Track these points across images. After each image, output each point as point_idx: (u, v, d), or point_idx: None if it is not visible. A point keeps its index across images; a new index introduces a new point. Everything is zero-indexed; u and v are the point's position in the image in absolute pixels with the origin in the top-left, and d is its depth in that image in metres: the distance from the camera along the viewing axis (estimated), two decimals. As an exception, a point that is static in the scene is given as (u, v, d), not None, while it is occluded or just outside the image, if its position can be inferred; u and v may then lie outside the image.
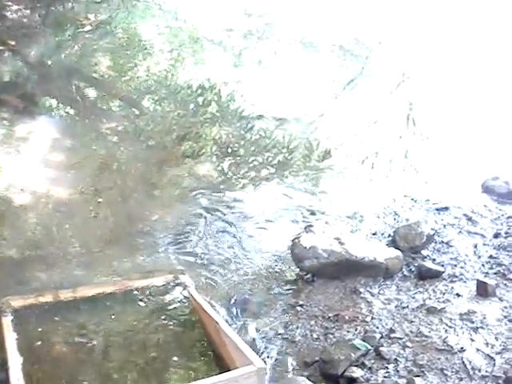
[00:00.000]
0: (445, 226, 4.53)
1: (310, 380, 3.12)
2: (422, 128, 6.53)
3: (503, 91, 6.85)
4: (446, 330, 3.31)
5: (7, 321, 3.40)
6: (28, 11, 8.38)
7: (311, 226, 4.32)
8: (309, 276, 3.96)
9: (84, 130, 5.99)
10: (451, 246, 4.25)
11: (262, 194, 4.98)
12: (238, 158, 5.83)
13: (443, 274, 3.92)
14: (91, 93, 6.94)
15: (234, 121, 6.52)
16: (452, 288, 3.77)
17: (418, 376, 2.98)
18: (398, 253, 4.03)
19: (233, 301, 3.82)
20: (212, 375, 3.09)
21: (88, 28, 8.10)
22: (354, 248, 3.93)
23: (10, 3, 8.35)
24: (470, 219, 4.64)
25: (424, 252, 4.18)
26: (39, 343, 3.37)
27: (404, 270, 4.02)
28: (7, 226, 4.40)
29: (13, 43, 7.31)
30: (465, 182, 5.28)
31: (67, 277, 3.95)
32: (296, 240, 4.01)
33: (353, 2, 9.02)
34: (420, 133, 6.44)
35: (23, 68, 7.08)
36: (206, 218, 4.56)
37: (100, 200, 4.81)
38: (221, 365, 3.28)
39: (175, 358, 3.37)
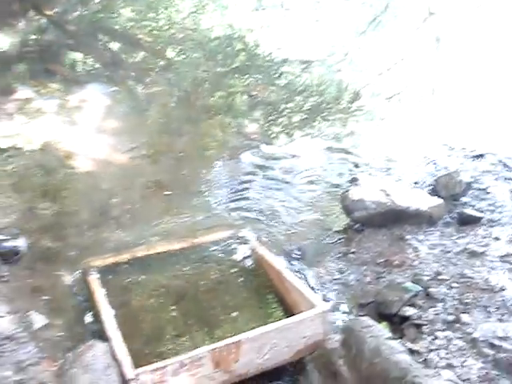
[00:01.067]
0: (482, 173, 4.82)
1: (368, 319, 3.52)
2: (449, 67, 6.69)
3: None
4: (487, 271, 3.67)
5: (94, 279, 3.82)
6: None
7: (356, 178, 4.64)
8: (358, 225, 4.31)
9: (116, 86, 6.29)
10: (489, 193, 4.56)
11: (305, 149, 5.27)
12: (270, 107, 6.09)
13: (482, 220, 4.25)
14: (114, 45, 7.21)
15: (262, 68, 6.75)
16: (491, 232, 4.11)
17: (465, 313, 3.36)
18: (440, 201, 4.36)
19: (289, 251, 4.20)
20: (279, 318, 3.50)
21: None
22: (398, 198, 4.27)
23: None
24: (505, 165, 4.93)
25: (464, 199, 4.50)
26: (125, 296, 3.79)
27: (446, 216, 4.35)
28: (76, 193, 4.78)
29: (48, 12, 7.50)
30: (499, 127, 5.53)
31: (136, 236, 4.34)
32: (346, 193, 4.36)
33: None
34: (448, 72, 6.59)
35: (54, 31, 7.35)
36: (256, 174, 4.89)
37: (155, 162, 5.17)
38: (287, 309, 3.67)
39: (245, 304, 3.77)
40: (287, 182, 4.83)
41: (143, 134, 5.58)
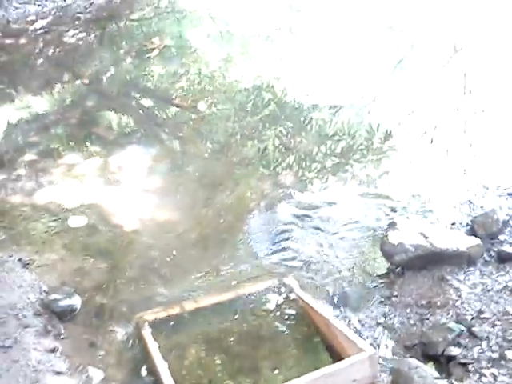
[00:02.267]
0: (519, 210, 4.90)
1: (414, 361, 3.60)
2: (479, 102, 6.81)
3: None
4: (530, 310, 3.74)
5: (147, 333, 3.99)
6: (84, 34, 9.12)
7: (394, 222, 4.76)
8: (399, 269, 4.41)
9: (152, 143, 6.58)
10: (526, 230, 4.64)
11: (342, 197, 5.41)
12: (302, 153, 6.28)
13: (522, 256, 4.33)
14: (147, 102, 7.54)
15: (292, 115, 6.97)
16: (531, 269, 4.18)
17: (509, 350, 3.42)
18: (478, 240, 4.45)
19: (334, 297, 4.32)
20: (327, 365, 3.61)
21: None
22: (437, 240, 4.37)
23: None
24: (542, 201, 5.01)
25: (501, 237, 4.58)
26: (177, 348, 3.94)
27: (485, 255, 4.43)
28: (123, 251, 4.99)
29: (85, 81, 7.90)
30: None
31: (182, 290, 4.51)
32: (385, 238, 4.48)
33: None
34: (478, 108, 6.71)
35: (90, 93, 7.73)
36: (295, 224, 5.05)
37: (196, 217, 5.36)
38: (334, 355, 3.77)
39: (293, 351, 3.89)
40: (325, 231, 4.94)
41: (182, 189, 5.79)
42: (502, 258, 4.33)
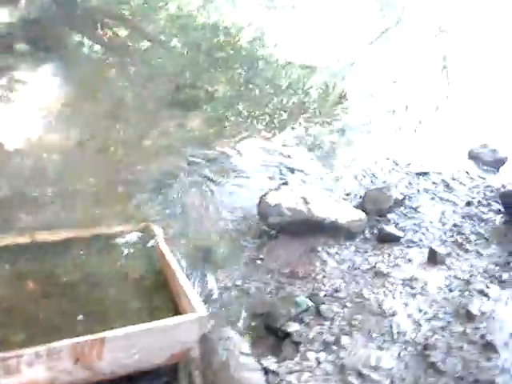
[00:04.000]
0: (419, 191, 4.61)
1: (253, 330, 3.34)
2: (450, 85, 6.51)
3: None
4: (385, 294, 3.46)
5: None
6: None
7: (286, 183, 4.45)
8: (273, 232, 4.12)
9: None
10: (418, 212, 4.36)
11: (250, 149, 5.08)
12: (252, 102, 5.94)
13: (402, 239, 4.04)
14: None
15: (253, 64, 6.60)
16: (406, 253, 3.90)
17: (347, 335, 3.16)
18: (362, 215, 4.16)
19: (198, 251, 4.02)
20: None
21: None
22: (317, 208, 4.07)
23: None
24: (447, 186, 4.71)
25: (390, 216, 4.29)
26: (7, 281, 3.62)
27: (366, 232, 4.15)
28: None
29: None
30: (453, 147, 5.31)
31: (50, 219, 4.18)
32: (263, 197, 4.17)
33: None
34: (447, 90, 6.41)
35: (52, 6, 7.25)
36: (185, 171, 4.71)
37: (91, 146, 4.99)
38: (176, 312, 3.49)
39: (135, 302, 3.60)
40: (215, 181, 4.62)
41: (91, 116, 5.41)
42: (382, 238, 4.06)
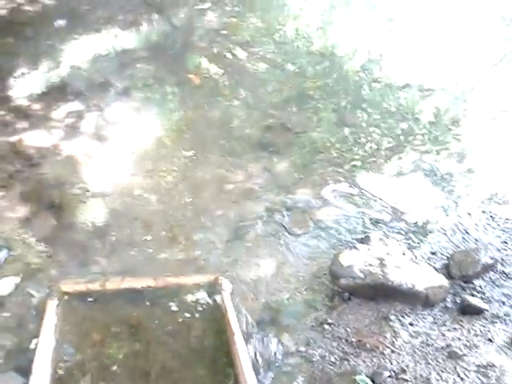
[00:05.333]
0: (517, 253, 4.17)
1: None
2: None
3: None
4: (454, 382, 3.11)
5: (52, 305, 3.74)
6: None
7: (366, 238, 4.20)
8: (346, 294, 3.88)
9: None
10: (511, 279, 3.92)
11: (331, 196, 4.86)
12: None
13: (487, 313, 3.65)
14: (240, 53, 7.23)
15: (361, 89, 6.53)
16: (488, 330, 3.52)
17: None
18: (444, 282, 3.81)
19: (265, 309, 3.87)
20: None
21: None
22: (394, 272, 3.79)
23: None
24: (551, 249, 4.22)
25: (477, 282, 3.91)
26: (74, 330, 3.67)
27: (448, 300, 3.80)
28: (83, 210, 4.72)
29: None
30: None
31: (124, 263, 4.21)
32: (337, 255, 3.94)
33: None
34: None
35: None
36: (263, 218, 4.58)
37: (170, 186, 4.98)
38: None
39: (196, 365, 3.51)
40: (290, 231, 4.44)
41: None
42: (464, 310, 3.69)
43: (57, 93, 6.02)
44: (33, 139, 5.26)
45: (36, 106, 5.76)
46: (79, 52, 6.82)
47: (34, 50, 6.79)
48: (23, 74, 6.33)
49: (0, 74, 6.23)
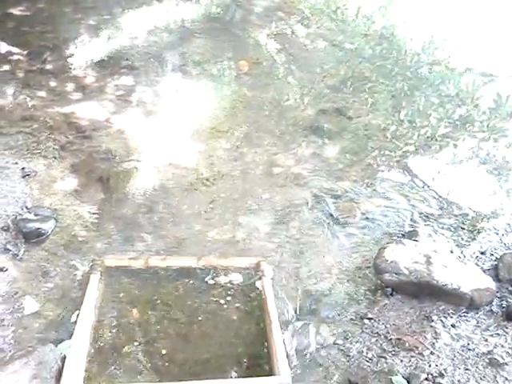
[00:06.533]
0: None
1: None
2: None
3: None
4: (494, 390, 3.03)
5: (94, 278, 3.80)
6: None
7: (414, 233, 4.10)
8: (388, 290, 3.80)
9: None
10: None
11: (382, 186, 4.75)
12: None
13: (534, 320, 3.52)
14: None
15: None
16: (534, 339, 3.39)
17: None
18: (491, 284, 3.68)
19: (306, 299, 3.83)
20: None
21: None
22: (440, 271, 3.68)
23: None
24: None
25: (526, 287, 3.76)
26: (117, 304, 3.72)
27: (494, 304, 3.67)
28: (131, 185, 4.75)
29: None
30: None
31: (168, 241, 4.22)
32: (381, 250, 3.86)
33: None
34: None
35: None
36: (309, 204, 4.51)
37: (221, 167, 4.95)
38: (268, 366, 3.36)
39: (225, 349, 3.50)
40: (337, 221, 4.36)
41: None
42: (510, 315, 3.56)
43: (112, 65, 6.06)
44: (86, 111, 5.31)
45: (91, 78, 5.80)
46: (138, 23, 6.83)
47: (92, 19, 6.82)
48: (81, 43, 6.38)
49: (57, 42, 6.29)
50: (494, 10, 7.57)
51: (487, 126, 5.60)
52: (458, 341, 3.43)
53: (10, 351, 3.28)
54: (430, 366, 3.27)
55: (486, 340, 3.43)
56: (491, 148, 5.25)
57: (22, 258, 3.96)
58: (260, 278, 3.90)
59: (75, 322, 3.54)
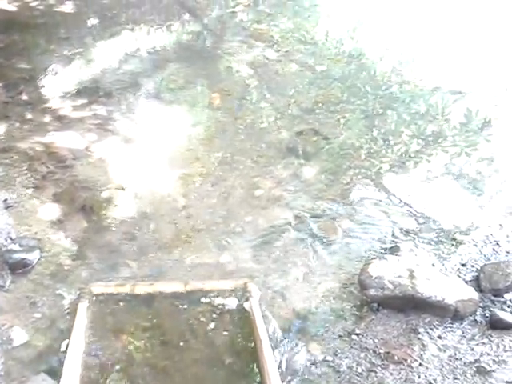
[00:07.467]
0: (549, 266, 4.11)
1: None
2: None
3: None
4: (482, 399, 3.11)
5: (82, 306, 3.81)
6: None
7: (395, 248, 4.20)
8: (374, 305, 3.87)
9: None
10: (542, 294, 3.88)
11: (361, 204, 4.85)
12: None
13: (517, 327, 3.62)
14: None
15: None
16: (519, 346, 3.48)
17: None
18: (473, 295, 3.78)
19: (293, 317, 3.88)
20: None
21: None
22: (423, 284, 3.77)
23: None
24: None
25: (507, 296, 3.87)
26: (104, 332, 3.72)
27: (478, 313, 3.77)
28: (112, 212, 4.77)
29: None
30: None
31: (154, 266, 4.25)
32: (365, 266, 3.94)
33: None
34: None
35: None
36: (292, 225, 4.58)
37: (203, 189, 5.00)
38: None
39: (217, 371, 3.53)
40: (320, 239, 4.44)
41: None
42: (493, 324, 3.66)
43: (88, 94, 6.10)
44: (65, 141, 5.34)
45: (68, 108, 5.84)
46: (111, 52, 6.89)
47: (66, 50, 6.87)
48: (57, 74, 6.42)
49: (33, 74, 6.32)
50: (460, 28, 7.78)
51: (459, 140, 5.71)
52: (445, 351, 3.51)
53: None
54: (419, 377, 3.34)
55: (473, 349, 3.51)
56: (464, 162, 5.38)
57: (9, 289, 3.96)
58: (247, 299, 3.93)
59: (65, 351, 3.52)
